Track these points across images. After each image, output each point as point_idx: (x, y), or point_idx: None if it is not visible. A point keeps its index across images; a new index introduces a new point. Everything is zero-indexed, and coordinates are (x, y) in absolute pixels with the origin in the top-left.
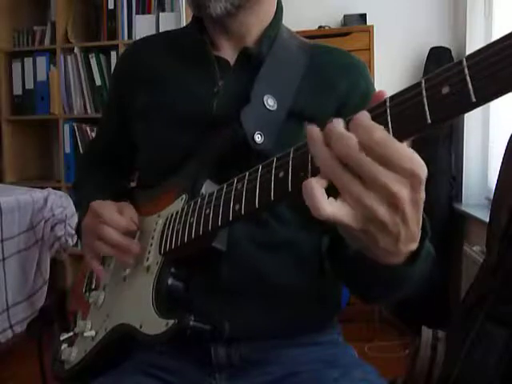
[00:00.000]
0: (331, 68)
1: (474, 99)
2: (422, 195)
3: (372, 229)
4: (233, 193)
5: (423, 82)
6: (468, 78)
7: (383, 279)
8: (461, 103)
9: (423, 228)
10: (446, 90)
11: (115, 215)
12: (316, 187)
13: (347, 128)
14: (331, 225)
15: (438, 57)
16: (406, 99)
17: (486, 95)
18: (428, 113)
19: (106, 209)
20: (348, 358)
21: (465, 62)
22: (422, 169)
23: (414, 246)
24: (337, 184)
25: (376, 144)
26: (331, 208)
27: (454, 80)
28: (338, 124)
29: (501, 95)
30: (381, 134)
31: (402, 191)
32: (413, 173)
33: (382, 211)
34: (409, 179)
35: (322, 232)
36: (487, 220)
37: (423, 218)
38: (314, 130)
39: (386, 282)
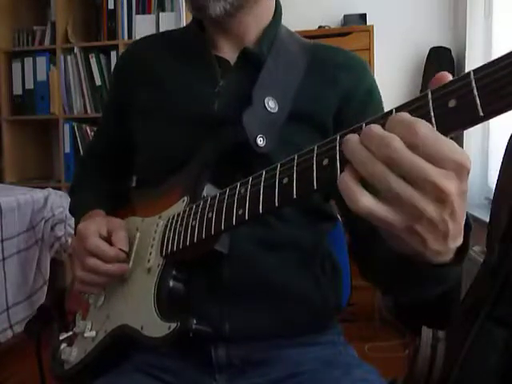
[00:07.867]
0: (333, 65)
1: (481, 113)
2: (467, 185)
3: (419, 228)
4: (236, 197)
5: (429, 93)
6: (476, 92)
7: (428, 278)
8: (468, 117)
9: (466, 221)
10: (452, 103)
11: (101, 245)
12: (352, 181)
13: (384, 129)
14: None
15: (438, 57)
16: (412, 110)
17: (494, 109)
18: (435, 126)
19: (92, 238)
20: (348, 357)
21: (472, 75)
22: (468, 159)
23: (460, 240)
24: (381, 187)
25: (421, 140)
26: (369, 202)
27: (461, 93)
28: (375, 126)
29: (510, 109)
30: (426, 129)
31: (451, 186)
32: (461, 164)
33: (431, 209)
34: (456, 172)
35: (323, 231)
36: (487, 220)
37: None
38: (351, 137)
39: (431, 280)
